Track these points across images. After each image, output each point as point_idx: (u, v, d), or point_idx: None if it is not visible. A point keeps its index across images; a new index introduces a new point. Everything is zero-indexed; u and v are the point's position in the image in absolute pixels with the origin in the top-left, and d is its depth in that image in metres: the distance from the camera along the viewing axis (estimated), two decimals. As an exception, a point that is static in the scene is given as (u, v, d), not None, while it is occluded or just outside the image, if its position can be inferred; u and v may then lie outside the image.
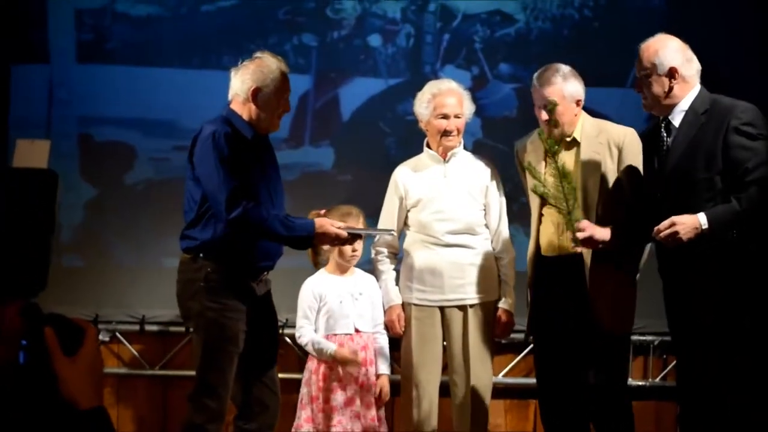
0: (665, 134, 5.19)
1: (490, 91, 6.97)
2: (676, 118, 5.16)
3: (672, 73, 5.14)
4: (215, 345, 5.15)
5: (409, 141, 6.65)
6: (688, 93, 5.16)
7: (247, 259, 5.20)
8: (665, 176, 5.13)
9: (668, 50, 5.19)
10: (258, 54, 5.32)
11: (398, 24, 7.13)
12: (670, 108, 5.17)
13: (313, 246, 5.54)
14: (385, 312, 5.96)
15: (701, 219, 4.89)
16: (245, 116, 5.23)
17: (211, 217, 5.13)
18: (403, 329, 5.90)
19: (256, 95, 5.20)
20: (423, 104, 5.83)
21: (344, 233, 5.25)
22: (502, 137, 6.86)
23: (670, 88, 5.15)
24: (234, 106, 5.26)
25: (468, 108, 5.84)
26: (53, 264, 6.61)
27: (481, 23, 7.09)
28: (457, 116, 5.81)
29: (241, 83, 5.23)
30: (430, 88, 5.87)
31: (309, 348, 5.91)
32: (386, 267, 6.01)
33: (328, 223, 5.22)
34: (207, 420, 5.17)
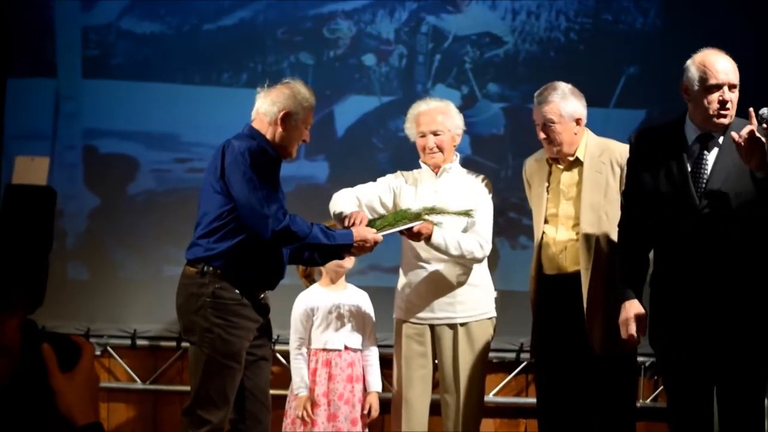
0: (704, 151, 4.80)
1: (479, 110, 6.91)
2: (721, 138, 4.80)
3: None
4: (220, 361, 5.00)
5: (401, 156, 6.61)
6: None
7: (254, 276, 5.09)
8: (710, 192, 4.73)
9: None
10: (288, 80, 5.20)
11: (392, 44, 7.08)
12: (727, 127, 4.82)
13: (351, 254, 5.38)
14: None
15: None
16: (269, 136, 5.08)
17: (231, 231, 4.99)
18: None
19: (285, 119, 5.06)
20: (408, 125, 5.73)
21: (380, 237, 5.21)
22: (490, 154, 6.84)
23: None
24: (257, 125, 5.11)
25: (452, 124, 5.67)
26: (55, 274, 6.50)
27: (471, 45, 7.05)
28: (435, 133, 5.63)
29: (270, 105, 5.08)
30: (413, 109, 5.75)
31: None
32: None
33: (365, 230, 5.17)
34: None
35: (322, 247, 5.14)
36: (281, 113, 5.06)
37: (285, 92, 5.11)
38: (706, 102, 4.76)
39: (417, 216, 5.40)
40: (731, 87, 4.77)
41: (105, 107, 7.16)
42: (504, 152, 6.88)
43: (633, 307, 4.90)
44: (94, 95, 7.17)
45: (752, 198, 4.69)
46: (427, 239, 5.43)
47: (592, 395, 5.41)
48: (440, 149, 5.66)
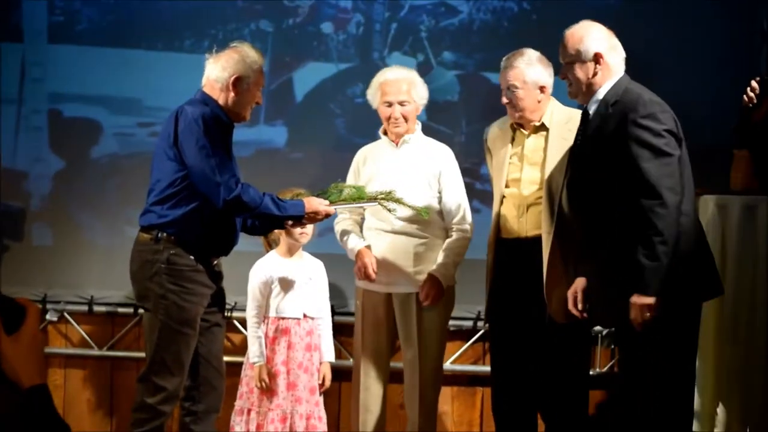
0: (582, 125, 4.76)
1: (434, 77, 6.80)
2: (592, 108, 4.69)
3: (597, 59, 4.63)
4: (174, 327, 4.90)
5: (358, 122, 6.61)
6: (606, 82, 4.64)
7: (207, 242, 4.97)
8: (573, 168, 4.76)
9: (593, 36, 4.66)
10: (236, 44, 5.08)
11: (349, 13, 6.99)
12: (590, 96, 4.67)
13: (302, 224, 5.34)
14: (356, 258, 5.56)
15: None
16: (221, 102, 4.97)
17: (185, 198, 4.88)
18: (375, 273, 5.49)
19: (236, 84, 4.95)
20: (372, 92, 5.60)
21: (333, 210, 5.09)
22: (445, 121, 6.76)
23: (594, 74, 4.63)
24: (209, 91, 5.00)
25: (418, 94, 5.56)
26: (18, 237, 6.36)
27: (426, 14, 6.95)
28: (401, 103, 5.51)
29: (221, 70, 4.96)
30: (378, 76, 5.63)
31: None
32: (348, 225, 5.70)
33: (317, 202, 5.04)
34: (161, 401, 4.93)
35: (271, 218, 5.02)
36: (232, 78, 4.95)
37: (234, 57, 4.99)
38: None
39: (373, 197, 5.28)
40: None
41: (70, 72, 7.06)
42: (458, 118, 6.80)
43: (578, 283, 4.85)
44: (60, 60, 7.06)
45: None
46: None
47: (545, 363, 5.29)
48: (405, 119, 5.54)
